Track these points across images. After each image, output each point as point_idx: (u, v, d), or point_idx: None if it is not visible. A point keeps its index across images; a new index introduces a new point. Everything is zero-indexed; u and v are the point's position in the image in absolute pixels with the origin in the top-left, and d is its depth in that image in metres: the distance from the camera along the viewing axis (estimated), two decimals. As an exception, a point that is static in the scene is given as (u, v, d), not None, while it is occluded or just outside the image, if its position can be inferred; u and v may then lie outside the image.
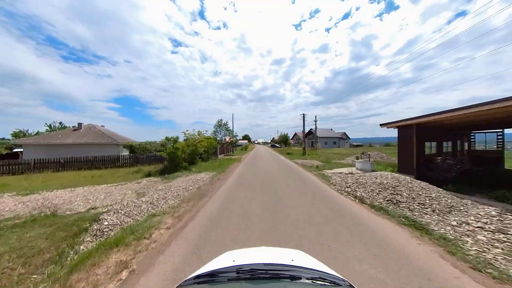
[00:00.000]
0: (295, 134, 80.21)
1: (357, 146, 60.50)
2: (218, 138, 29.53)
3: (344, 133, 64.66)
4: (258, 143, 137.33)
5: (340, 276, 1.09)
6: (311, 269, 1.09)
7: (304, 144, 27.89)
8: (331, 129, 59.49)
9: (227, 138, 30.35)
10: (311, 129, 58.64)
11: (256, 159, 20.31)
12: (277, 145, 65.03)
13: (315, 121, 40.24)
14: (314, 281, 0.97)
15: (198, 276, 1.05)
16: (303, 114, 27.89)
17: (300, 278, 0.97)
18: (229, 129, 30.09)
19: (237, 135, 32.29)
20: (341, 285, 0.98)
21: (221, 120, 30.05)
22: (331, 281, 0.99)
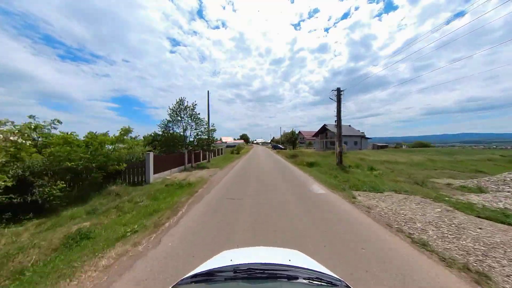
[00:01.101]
0: (299, 133, 67.63)
1: (382, 147, 47.44)
2: (196, 135, 15.35)
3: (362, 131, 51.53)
4: (257, 143, 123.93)
5: (337, 277, 1.07)
6: (308, 269, 1.08)
7: (339, 147, 14.84)
8: (349, 126, 46.33)
9: (210, 136, 16.03)
10: (324, 124, 45.58)
11: (244, 196, 7.08)
12: (280, 146, 51.34)
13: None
14: (311, 281, 0.94)
15: (195, 275, 1.03)
16: (338, 89, 14.94)
17: (297, 278, 0.95)
18: (199, 117, 15.17)
19: (214, 129, 17.31)
20: (338, 286, 0.96)
21: (182, 100, 14.73)
22: (328, 281, 0.97)
